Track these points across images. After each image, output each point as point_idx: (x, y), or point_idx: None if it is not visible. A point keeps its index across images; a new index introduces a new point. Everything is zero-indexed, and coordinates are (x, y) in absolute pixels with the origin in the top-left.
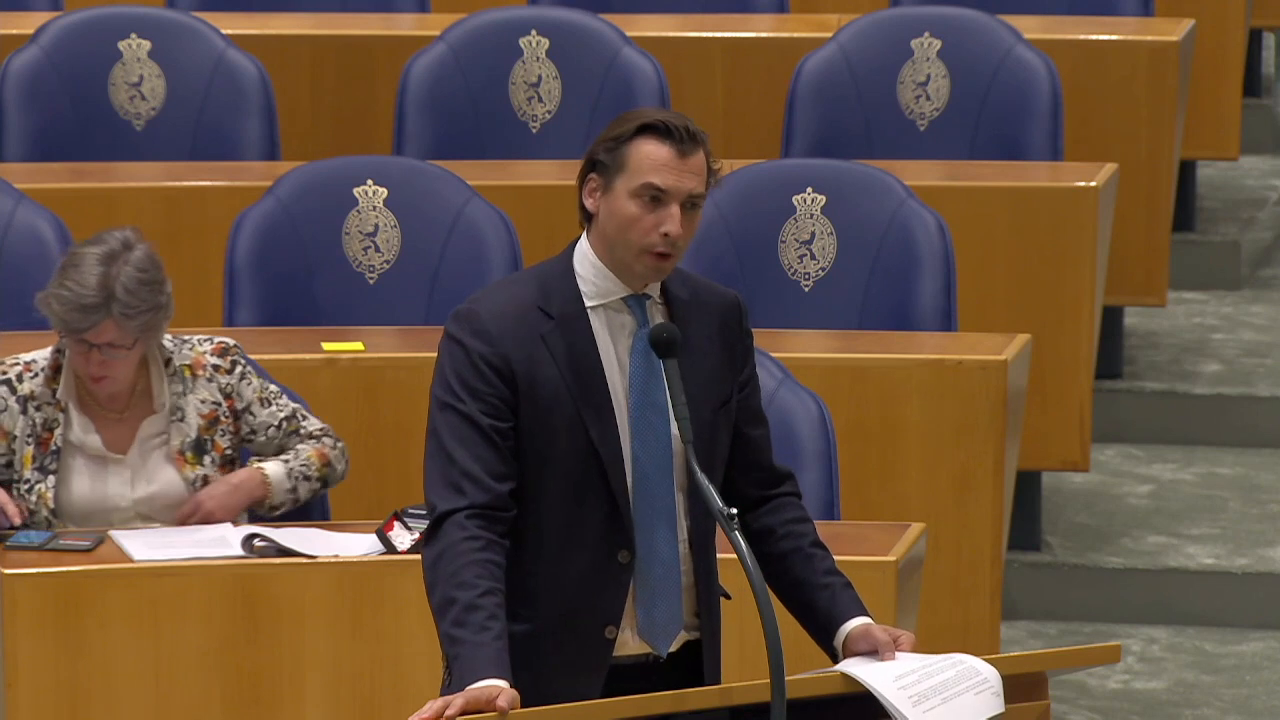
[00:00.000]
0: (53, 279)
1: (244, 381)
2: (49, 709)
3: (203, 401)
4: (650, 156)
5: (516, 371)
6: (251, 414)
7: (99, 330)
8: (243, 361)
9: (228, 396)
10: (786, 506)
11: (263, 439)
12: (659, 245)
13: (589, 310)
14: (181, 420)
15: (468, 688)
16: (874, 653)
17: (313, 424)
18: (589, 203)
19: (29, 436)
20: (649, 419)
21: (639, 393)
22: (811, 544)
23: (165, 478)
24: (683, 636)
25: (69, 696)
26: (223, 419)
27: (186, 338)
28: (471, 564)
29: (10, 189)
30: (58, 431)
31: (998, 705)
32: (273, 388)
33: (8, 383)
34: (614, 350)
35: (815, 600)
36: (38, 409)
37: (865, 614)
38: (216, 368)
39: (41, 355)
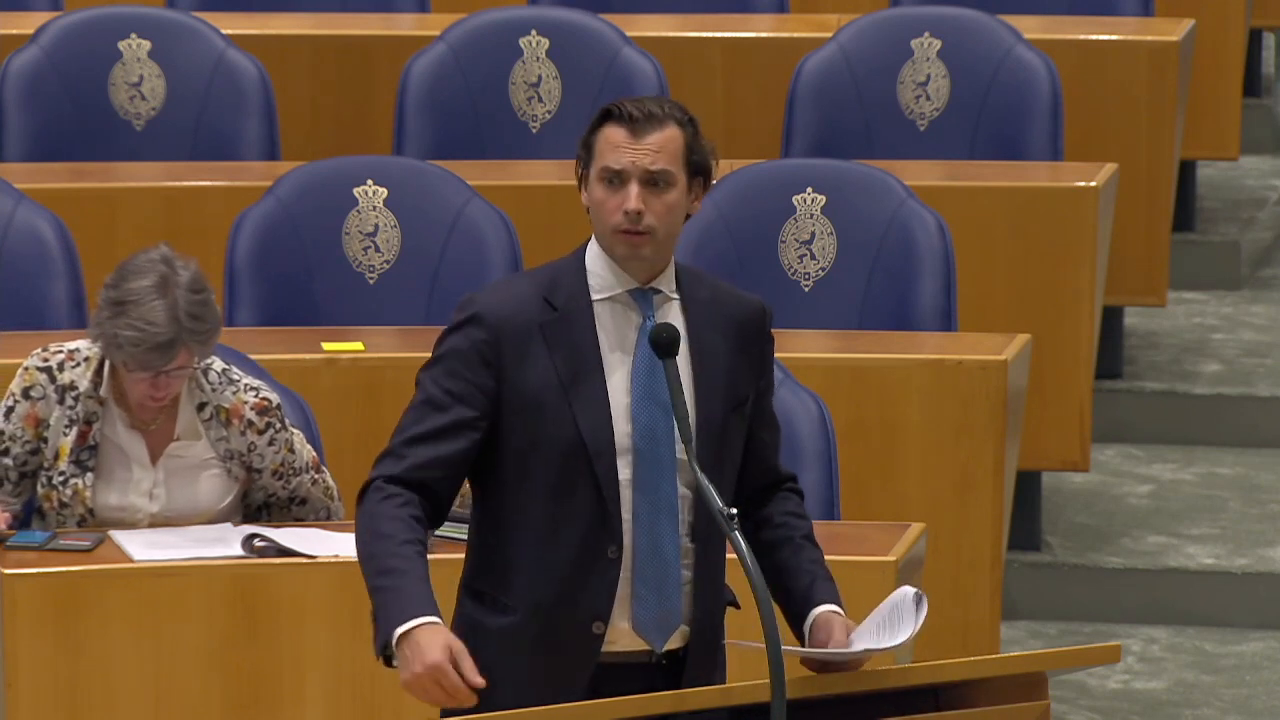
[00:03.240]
0: (104, 313)
1: (272, 448)
2: (49, 709)
3: (233, 445)
4: (607, 140)
5: (505, 361)
6: (261, 475)
7: (174, 361)
8: (277, 426)
9: (250, 450)
10: (786, 500)
11: (258, 494)
12: (624, 224)
13: (596, 302)
14: (230, 460)
15: (420, 657)
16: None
17: (314, 505)
18: (584, 200)
19: (66, 427)
20: (652, 414)
21: (642, 387)
22: (803, 536)
23: (185, 497)
24: (684, 632)
25: (69, 696)
26: (239, 458)
27: (235, 376)
28: (390, 519)
29: (10, 189)
30: (96, 426)
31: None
32: (295, 462)
33: (48, 370)
34: (619, 343)
35: (793, 586)
36: (76, 400)
37: (837, 604)
38: (250, 424)
39: (85, 344)
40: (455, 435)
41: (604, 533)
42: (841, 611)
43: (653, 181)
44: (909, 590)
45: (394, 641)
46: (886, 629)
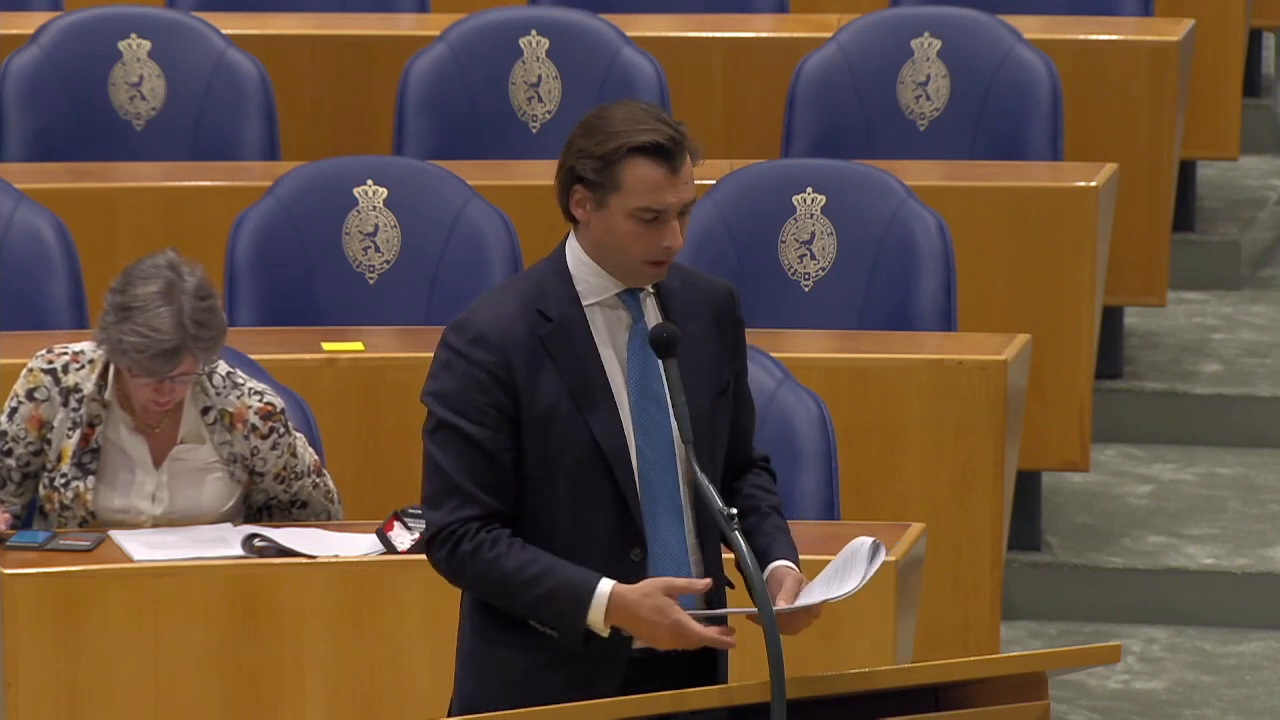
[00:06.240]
0: (110, 318)
1: (275, 452)
2: (49, 709)
3: (236, 448)
4: (645, 180)
5: (517, 378)
6: (263, 479)
7: (179, 367)
8: (281, 430)
9: (253, 454)
10: (757, 476)
11: (259, 497)
12: (660, 257)
13: (586, 308)
14: (233, 463)
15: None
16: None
17: (315, 508)
18: (578, 213)
19: (69, 429)
20: (650, 413)
21: (638, 387)
22: (769, 506)
23: (188, 500)
24: None
25: (69, 696)
26: (242, 461)
27: (240, 380)
28: (502, 558)
29: (10, 189)
30: (99, 429)
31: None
32: (298, 466)
33: (53, 372)
34: (613, 346)
35: (753, 546)
36: (80, 403)
37: (792, 561)
38: (254, 429)
39: (90, 347)
40: (496, 461)
41: (627, 537)
42: (795, 568)
43: (684, 209)
44: (865, 540)
45: (598, 622)
46: (838, 580)
